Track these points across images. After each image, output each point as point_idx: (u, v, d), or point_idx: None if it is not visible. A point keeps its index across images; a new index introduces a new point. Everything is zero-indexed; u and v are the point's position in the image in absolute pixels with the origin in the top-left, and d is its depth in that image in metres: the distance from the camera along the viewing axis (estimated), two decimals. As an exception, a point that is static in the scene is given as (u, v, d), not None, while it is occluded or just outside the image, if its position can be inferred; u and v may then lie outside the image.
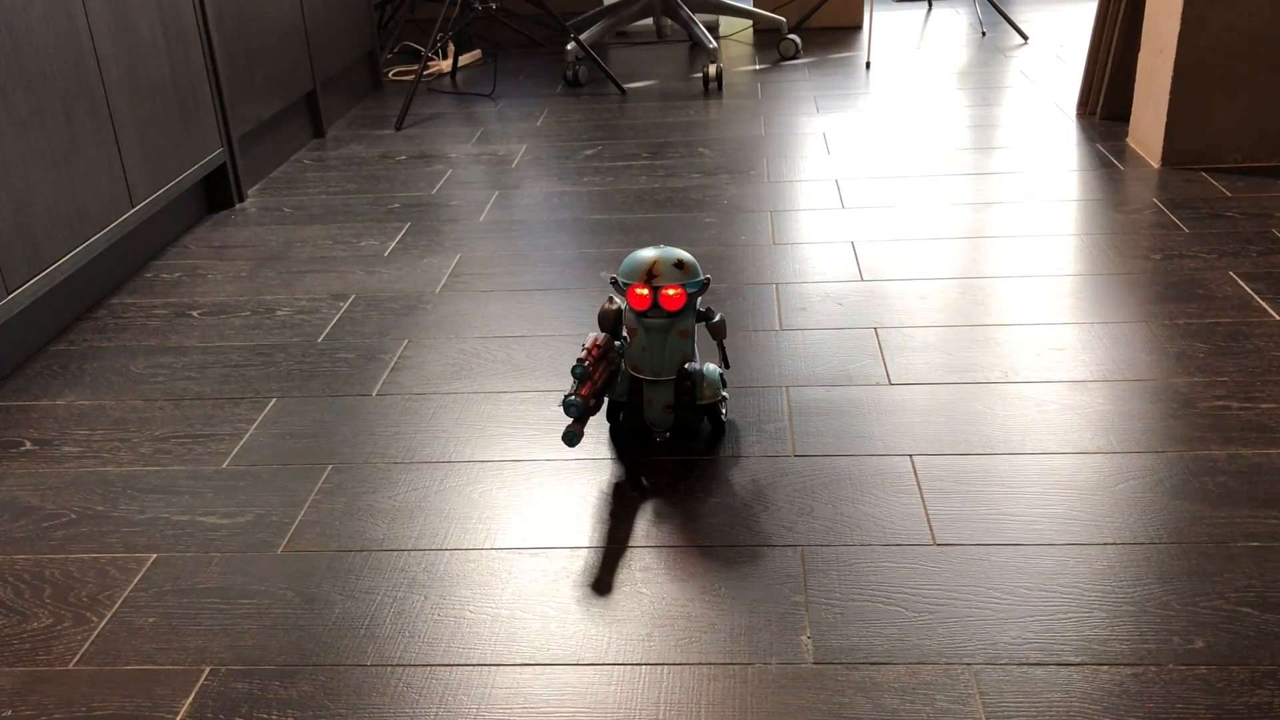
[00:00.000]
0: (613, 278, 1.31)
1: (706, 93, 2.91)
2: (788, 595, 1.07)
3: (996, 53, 3.18)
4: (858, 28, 3.56)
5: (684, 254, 1.30)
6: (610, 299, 1.31)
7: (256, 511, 1.24)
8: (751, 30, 3.63)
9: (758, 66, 3.19)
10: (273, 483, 1.29)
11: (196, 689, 0.97)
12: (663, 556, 1.14)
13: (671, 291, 1.26)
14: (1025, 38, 3.31)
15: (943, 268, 1.78)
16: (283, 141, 2.49)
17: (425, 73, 3.13)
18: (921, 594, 1.06)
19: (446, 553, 1.16)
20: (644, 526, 1.19)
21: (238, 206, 2.20)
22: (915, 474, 1.25)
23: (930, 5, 3.88)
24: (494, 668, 0.98)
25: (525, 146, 2.52)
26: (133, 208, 1.81)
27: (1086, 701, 0.92)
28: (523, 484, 1.27)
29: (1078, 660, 0.96)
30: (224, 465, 1.33)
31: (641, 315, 1.29)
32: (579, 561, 1.14)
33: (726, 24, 3.70)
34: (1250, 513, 1.15)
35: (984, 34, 3.40)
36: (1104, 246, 1.82)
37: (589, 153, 2.45)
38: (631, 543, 1.16)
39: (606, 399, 1.33)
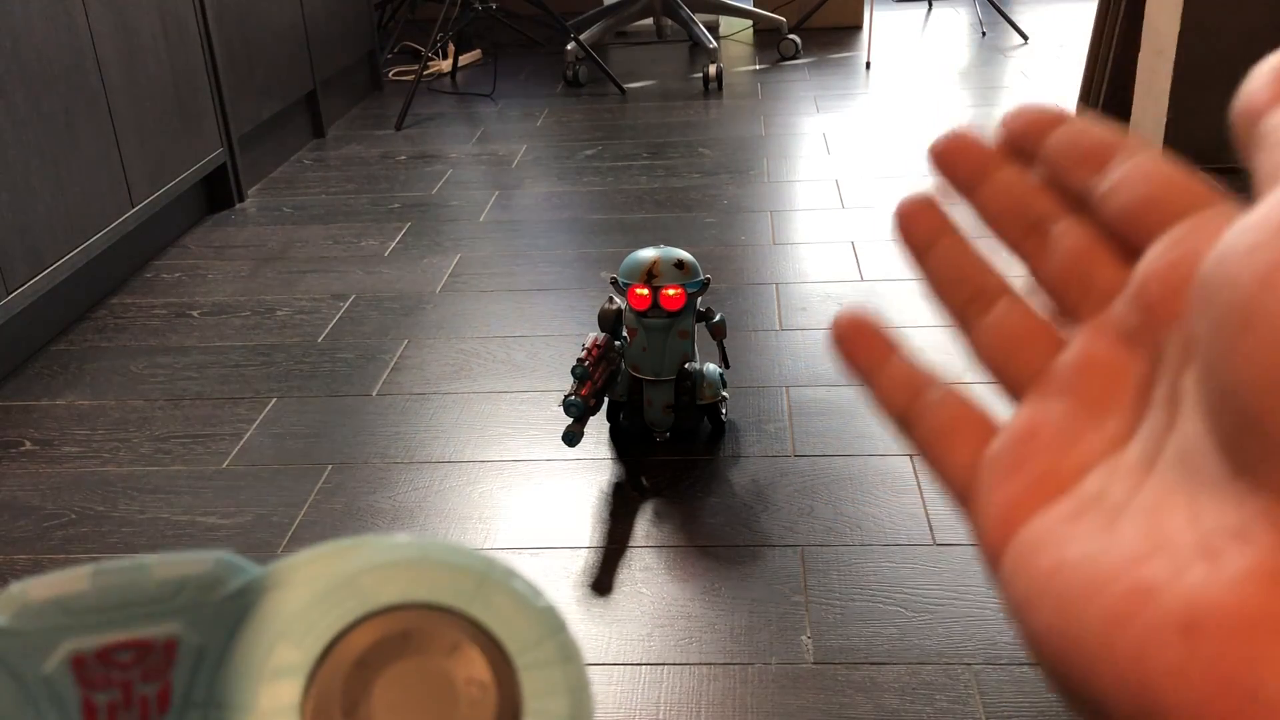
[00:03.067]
0: (613, 278, 1.32)
1: (706, 93, 2.91)
2: (788, 595, 1.07)
3: (996, 52, 3.18)
4: (858, 28, 3.56)
5: (684, 254, 1.30)
6: (610, 299, 1.31)
7: (256, 511, 1.24)
8: (751, 30, 3.64)
9: (758, 66, 3.19)
10: (273, 483, 1.29)
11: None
12: (663, 556, 1.14)
13: (671, 291, 1.26)
14: (1025, 37, 3.31)
15: (943, 268, 1.77)
16: (283, 141, 2.49)
17: (425, 73, 3.13)
18: (922, 594, 1.06)
19: (446, 553, 1.16)
20: (644, 526, 1.19)
21: (238, 206, 2.20)
22: (916, 474, 1.25)
23: (930, 5, 3.89)
24: (494, 668, 0.98)
25: (525, 146, 2.52)
26: (133, 207, 1.81)
27: (1086, 701, 0.92)
28: (523, 484, 1.27)
29: (1078, 660, 0.96)
30: (224, 465, 1.33)
31: (641, 315, 1.29)
32: (579, 561, 1.14)
33: (726, 24, 3.70)
34: (1250, 513, 1.15)
35: (984, 34, 3.40)
36: (1104, 246, 1.82)
37: (589, 153, 2.45)
38: (631, 543, 1.16)
39: (606, 399, 1.33)
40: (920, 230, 0.24)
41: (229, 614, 0.20)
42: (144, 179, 1.85)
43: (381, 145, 2.58)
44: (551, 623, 0.20)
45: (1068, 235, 0.21)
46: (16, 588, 0.20)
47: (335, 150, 2.56)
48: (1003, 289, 0.23)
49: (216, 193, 2.20)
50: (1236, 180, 2.16)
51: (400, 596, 0.20)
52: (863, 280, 1.74)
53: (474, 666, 0.20)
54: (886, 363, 0.23)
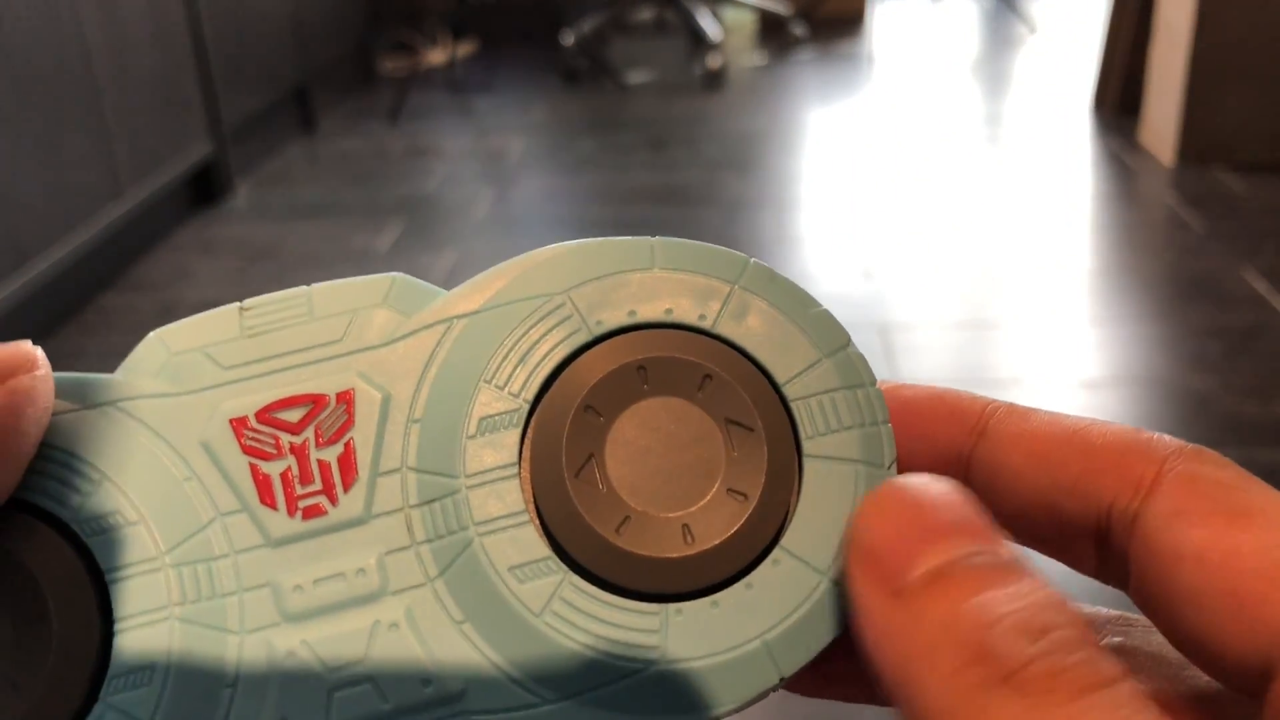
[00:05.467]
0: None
1: (708, 85, 2.86)
2: (791, 610, 1.03)
3: (1005, 44, 3.14)
4: (862, 19, 3.52)
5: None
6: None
7: (241, 520, 1.20)
8: (755, 22, 3.59)
9: (761, 59, 3.14)
10: (258, 489, 1.25)
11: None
12: (661, 568, 1.10)
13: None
14: (1033, 29, 3.26)
15: (950, 265, 1.73)
16: (274, 135, 2.44)
17: (420, 65, 3.09)
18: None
19: (437, 564, 1.12)
20: (642, 536, 1.15)
21: (227, 202, 2.16)
22: (923, 481, 1.21)
23: (934, -4, 3.84)
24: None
25: (523, 140, 2.47)
26: (120, 203, 1.77)
27: None
28: (517, 491, 1.23)
29: (1095, 679, 0.92)
30: (208, 471, 1.29)
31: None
32: (574, 573, 1.10)
33: (729, 15, 3.65)
34: (1272, 523, 1.11)
35: (995, 25, 3.35)
36: (1116, 243, 1.78)
37: (588, 147, 2.41)
38: (629, 553, 1.12)
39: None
40: None
41: (415, 353, 0.15)
42: (132, 173, 1.81)
43: (375, 139, 2.53)
44: (829, 336, 0.16)
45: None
46: (154, 336, 0.16)
47: (327, 144, 2.51)
48: None
49: (205, 188, 2.15)
50: (1259, 179, 2.09)
51: (628, 318, 0.15)
52: (868, 279, 1.70)
53: (733, 403, 0.15)
54: None
